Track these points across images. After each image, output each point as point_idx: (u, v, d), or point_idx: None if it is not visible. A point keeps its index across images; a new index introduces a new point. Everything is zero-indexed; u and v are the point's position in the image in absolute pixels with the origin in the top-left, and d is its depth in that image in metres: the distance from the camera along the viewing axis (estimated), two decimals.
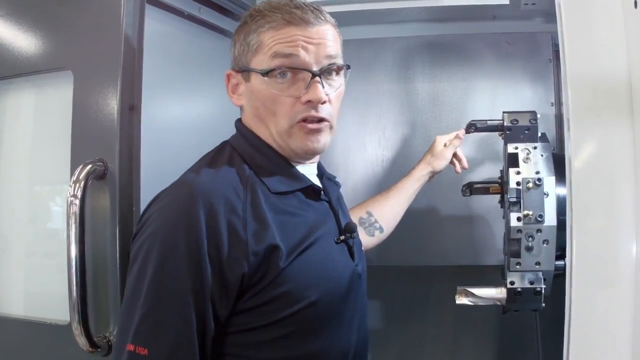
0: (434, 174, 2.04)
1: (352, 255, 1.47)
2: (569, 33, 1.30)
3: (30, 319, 1.74)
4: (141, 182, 1.60)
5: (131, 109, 1.61)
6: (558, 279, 1.70)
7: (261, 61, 1.36)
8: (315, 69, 1.35)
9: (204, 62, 2.14)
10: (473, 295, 1.88)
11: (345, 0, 2.30)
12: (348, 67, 1.44)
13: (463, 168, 2.06)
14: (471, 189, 2.09)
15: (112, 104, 1.59)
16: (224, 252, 1.22)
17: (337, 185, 1.61)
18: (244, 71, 1.40)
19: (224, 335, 1.27)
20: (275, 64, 1.34)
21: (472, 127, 2.02)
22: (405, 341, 2.59)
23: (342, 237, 1.45)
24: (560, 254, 1.71)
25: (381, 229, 1.95)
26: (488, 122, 1.98)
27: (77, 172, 1.53)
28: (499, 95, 2.50)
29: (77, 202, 1.52)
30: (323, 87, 1.35)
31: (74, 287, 1.51)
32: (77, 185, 1.52)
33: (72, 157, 1.62)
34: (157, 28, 1.83)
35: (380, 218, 1.95)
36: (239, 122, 1.48)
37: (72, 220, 1.52)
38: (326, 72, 1.37)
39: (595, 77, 1.29)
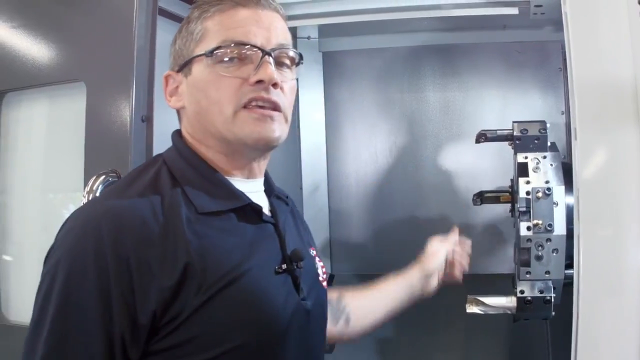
0: (428, 278, 1.80)
1: (297, 287, 1.24)
2: (576, 41, 1.31)
3: None
4: None
5: (144, 120, 1.62)
6: (568, 287, 1.70)
7: (206, 47, 1.20)
8: (267, 48, 1.20)
9: None
10: (483, 304, 1.88)
11: (358, 11, 2.31)
12: (301, 57, 1.29)
13: (462, 272, 1.82)
14: (482, 198, 2.09)
15: (125, 115, 1.60)
16: (134, 286, 1.05)
17: (287, 204, 1.41)
18: (185, 64, 1.24)
19: None
20: (221, 42, 1.19)
21: (482, 137, 2.02)
22: (416, 350, 2.59)
23: (284, 267, 1.22)
24: (570, 262, 1.71)
25: (348, 320, 1.61)
26: (498, 131, 1.99)
27: (90, 183, 1.55)
28: (509, 104, 2.52)
29: None
30: (274, 69, 1.20)
31: None
32: (91, 195, 1.53)
33: (86, 167, 1.64)
34: (169, 39, 1.85)
35: (352, 307, 1.64)
36: (175, 134, 1.31)
37: None
38: (279, 58, 1.23)
39: (602, 86, 1.30)
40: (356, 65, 2.60)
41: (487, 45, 2.52)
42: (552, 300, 1.78)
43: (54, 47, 1.75)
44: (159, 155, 1.28)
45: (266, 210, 1.28)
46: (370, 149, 2.65)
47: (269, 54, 1.19)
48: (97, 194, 1.52)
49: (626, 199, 1.27)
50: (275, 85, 1.19)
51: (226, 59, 1.19)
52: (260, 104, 1.18)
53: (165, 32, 1.76)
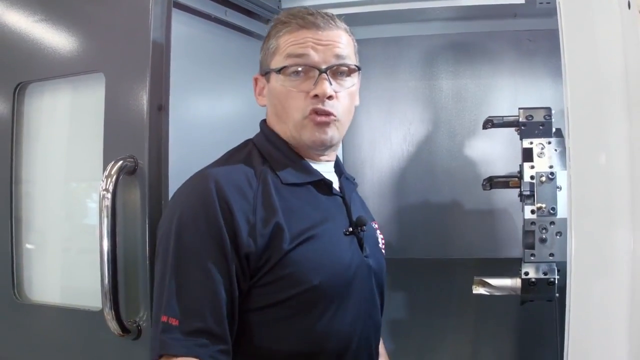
0: None
1: (361, 247, 1.53)
2: (568, 31, 1.34)
3: (66, 306, 1.84)
4: (169, 177, 1.67)
5: (160, 108, 1.67)
6: None
7: (277, 62, 1.48)
8: (323, 67, 1.45)
9: (230, 63, 2.21)
10: (489, 285, 1.93)
11: (373, 1, 2.36)
12: (358, 68, 1.53)
13: None
14: (491, 183, 2.13)
15: (142, 104, 1.66)
16: (237, 230, 1.33)
17: (354, 185, 1.70)
18: (266, 73, 1.52)
19: None
20: (288, 62, 1.46)
21: (488, 123, 2.06)
22: (428, 331, 2.65)
23: (351, 229, 1.52)
24: None
25: None
26: (504, 118, 2.03)
27: (109, 168, 1.61)
28: (520, 91, 2.54)
29: (109, 195, 1.59)
30: (331, 84, 1.45)
31: (106, 276, 1.59)
32: (109, 180, 1.59)
33: (105, 153, 1.69)
34: (184, 31, 1.90)
35: None
36: (262, 122, 1.59)
37: (105, 213, 1.59)
38: (336, 72, 1.48)
39: (594, 77, 1.33)
40: (371, 54, 2.62)
41: (498, 33, 2.53)
42: (556, 282, 1.82)
43: (75, 40, 1.80)
44: (249, 140, 1.57)
45: (336, 186, 1.58)
46: (384, 136, 2.69)
47: (325, 72, 1.45)
48: (116, 179, 1.60)
49: (616, 185, 1.30)
50: (330, 97, 1.45)
51: (292, 75, 1.46)
52: (318, 113, 1.45)
53: (180, 24, 1.82)
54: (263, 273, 1.36)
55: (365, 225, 1.54)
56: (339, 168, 1.63)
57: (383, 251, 1.67)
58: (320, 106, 1.44)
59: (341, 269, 1.45)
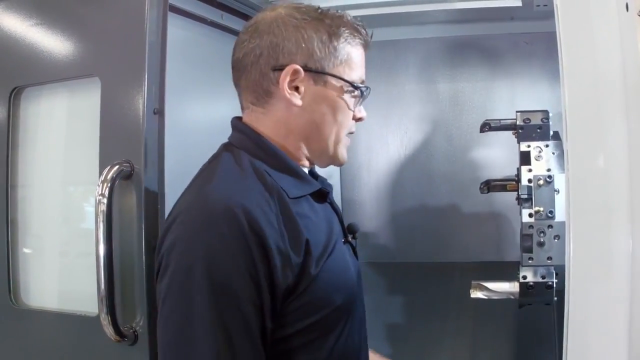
0: None
1: (355, 254, 1.48)
2: (566, 32, 1.34)
3: (62, 311, 1.82)
4: (165, 181, 1.66)
5: (155, 112, 1.66)
6: None
7: (348, 75, 1.36)
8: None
9: (226, 66, 2.16)
10: (487, 289, 1.93)
11: (368, 5, 2.35)
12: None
13: None
14: (489, 186, 2.13)
15: (138, 108, 1.64)
16: (272, 263, 1.17)
17: (331, 187, 1.53)
18: (321, 73, 1.34)
19: None
20: (360, 82, 1.38)
21: (486, 126, 2.06)
22: (426, 335, 2.64)
23: (349, 238, 1.47)
24: None
25: None
26: (501, 121, 2.03)
27: (105, 173, 1.59)
28: (517, 94, 2.55)
29: (105, 200, 1.58)
30: None
31: (102, 281, 1.57)
32: (105, 184, 1.58)
33: (101, 158, 1.68)
34: (180, 35, 1.91)
35: None
36: (239, 122, 1.43)
37: (101, 218, 1.58)
38: None
39: (591, 78, 1.32)
40: (368, 57, 2.62)
41: (495, 36, 2.54)
42: (554, 285, 1.82)
43: (70, 44, 1.79)
44: (229, 144, 1.40)
45: None
46: (381, 139, 2.70)
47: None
48: (111, 183, 1.58)
49: (615, 186, 1.30)
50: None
51: (357, 94, 1.38)
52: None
53: (176, 28, 1.83)
54: (290, 300, 1.23)
55: (357, 232, 1.51)
56: (312, 170, 1.52)
57: None
58: (354, 129, 1.44)
59: (351, 282, 1.38)
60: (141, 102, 1.64)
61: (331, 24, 1.35)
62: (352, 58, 1.36)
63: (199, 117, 2.08)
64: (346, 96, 1.36)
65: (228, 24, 2.18)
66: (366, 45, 1.40)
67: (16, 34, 1.89)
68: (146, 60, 1.65)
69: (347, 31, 1.36)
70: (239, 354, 1.14)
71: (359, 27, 1.38)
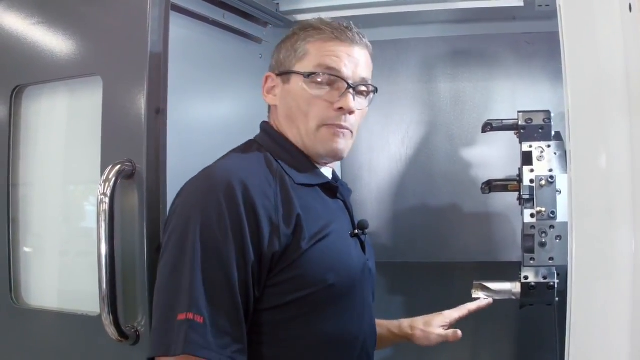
0: (406, 338, 1.93)
1: (363, 249, 1.59)
2: (569, 33, 1.34)
3: (64, 310, 1.82)
4: (167, 180, 1.66)
5: (157, 112, 1.66)
6: None
7: (306, 66, 1.51)
8: (351, 82, 1.50)
9: (228, 65, 2.21)
10: (488, 289, 1.92)
11: (370, 4, 2.35)
12: (376, 90, 1.59)
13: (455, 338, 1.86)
14: (490, 186, 2.13)
15: (140, 107, 1.64)
16: (261, 230, 1.33)
17: (350, 191, 1.72)
18: (285, 74, 1.54)
19: None
20: (319, 69, 1.49)
21: (488, 127, 2.06)
22: None
23: (356, 232, 1.57)
24: None
25: None
26: (503, 121, 2.02)
27: (106, 172, 1.59)
28: (519, 94, 2.53)
29: (107, 200, 1.57)
30: (354, 99, 1.50)
31: (104, 280, 1.57)
32: (107, 184, 1.58)
33: (102, 157, 1.68)
34: (182, 34, 1.90)
35: None
36: (264, 123, 1.62)
37: (102, 218, 1.57)
38: (358, 89, 1.53)
39: (594, 78, 1.32)
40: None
41: (497, 36, 2.53)
42: (556, 286, 1.82)
43: (72, 42, 1.79)
44: (252, 140, 1.59)
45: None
46: (382, 139, 2.68)
47: (353, 87, 1.50)
48: (113, 183, 1.58)
49: (617, 187, 1.30)
50: (351, 112, 1.50)
51: (320, 83, 1.49)
52: (339, 127, 1.51)
53: (177, 27, 1.82)
54: (277, 272, 1.37)
55: (367, 228, 1.60)
56: (334, 175, 1.66)
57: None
58: (342, 122, 1.50)
59: (351, 269, 1.49)
60: (143, 101, 1.64)
61: (300, 32, 1.55)
62: (308, 51, 1.52)
63: (201, 116, 2.07)
64: (304, 85, 1.50)
65: (230, 23, 2.17)
66: (339, 36, 1.51)
67: (18, 32, 1.89)
68: (148, 59, 1.65)
69: (308, 32, 1.53)
70: (217, 305, 1.28)
71: (325, 24, 1.53)
